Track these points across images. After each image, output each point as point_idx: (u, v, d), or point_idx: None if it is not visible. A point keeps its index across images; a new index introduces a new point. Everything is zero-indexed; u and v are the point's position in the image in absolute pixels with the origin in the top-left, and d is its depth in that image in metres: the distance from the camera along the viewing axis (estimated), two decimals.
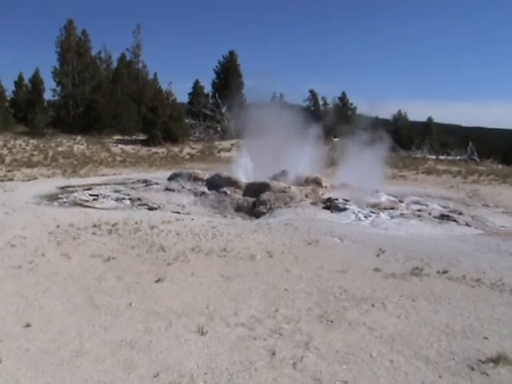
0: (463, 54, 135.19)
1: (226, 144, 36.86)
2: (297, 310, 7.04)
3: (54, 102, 43.04)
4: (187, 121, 44.53)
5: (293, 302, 7.39)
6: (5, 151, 30.60)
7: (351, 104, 54.15)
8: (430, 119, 50.21)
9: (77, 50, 42.39)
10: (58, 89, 42.74)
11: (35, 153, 30.90)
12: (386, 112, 47.56)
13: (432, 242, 11.42)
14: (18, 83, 43.38)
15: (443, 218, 14.37)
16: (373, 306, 7.29)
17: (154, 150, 35.91)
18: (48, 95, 43.29)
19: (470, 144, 37.32)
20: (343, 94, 54.98)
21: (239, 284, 8.15)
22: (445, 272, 8.99)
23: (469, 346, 6.08)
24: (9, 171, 23.64)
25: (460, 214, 15.02)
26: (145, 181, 20.35)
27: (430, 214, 14.85)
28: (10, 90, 42.15)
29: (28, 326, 6.36)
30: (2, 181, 20.19)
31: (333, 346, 6.00)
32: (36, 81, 42.61)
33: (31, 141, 34.34)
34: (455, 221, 14.07)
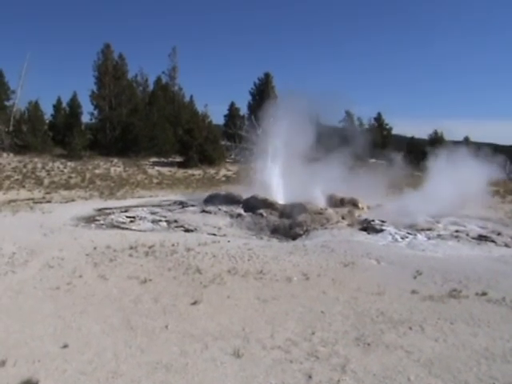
0: (490, 74, 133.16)
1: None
2: (333, 333, 7.02)
3: (91, 125, 43.59)
4: (223, 143, 44.80)
5: (329, 324, 7.37)
6: (43, 173, 31.22)
7: (387, 124, 53.73)
8: (466, 138, 49.46)
9: (114, 74, 42.91)
10: (96, 112, 43.35)
11: (73, 175, 31.48)
12: (423, 132, 47.17)
13: (470, 263, 11.28)
14: (57, 107, 44.08)
15: (481, 238, 14.18)
16: (410, 328, 7.23)
17: (190, 171, 36.22)
18: (85, 118, 43.94)
19: (508, 163, 36.68)
20: (378, 114, 54.59)
21: (275, 306, 8.16)
22: (483, 294, 8.87)
23: (509, 371, 5.97)
24: (47, 193, 24.15)
25: (499, 234, 14.80)
26: (181, 203, 20.55)
27: (467, 234, 14.66)
28: (48, 113, 42.90)
29: (65, 346, 6.47)
30: (41, 203, 20.62)
31: (370, 369, 5.97)
32: (74, 104, 43.30)
33: (69, 163, 34.95)
34: (494, 241, 13.86)
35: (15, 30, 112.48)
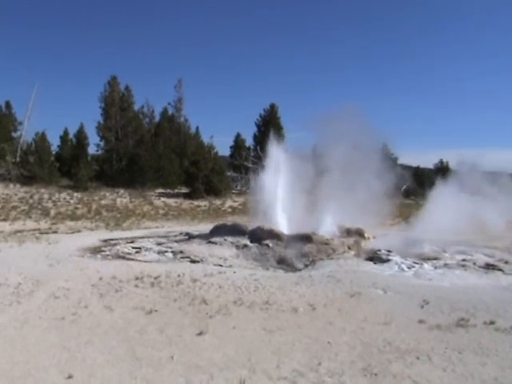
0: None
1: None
2: (340, 364, 6.96)
3: (97, 156, 43.92)
4: (229, 174, 44.98)
5: (336, 355, 7.30)
6: (50, 204, 31.33)
7: (392, 154, 53.81)
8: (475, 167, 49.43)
9: (120, 105, 43.35)
10: (102, 143, 43.74)
11: (79, 206, 31.60)
12: (428, 161, 47.25)
13: (478, 292, 11.20)
14: (64, 138, 44.51)
15: (489, 267, 14.13)
16: (418, 358, 7.15)
17: (196, 203, 36.32)
18: (92, 149, 44.35)
19: None
20: (384, 144, 54.68)
21: (281, 337, 8.10)
22: (492, 323, 8.79)
23: None
24: (53, 224, 24.23)
25: (506, 262, 14.74)
26: (187, 234, 20.54)
27: (474, 263, 14.61)
28: (55, 144, 43.30)
29: (70, 377, 6.41)
30: (47, 233, 20.69)
31: None
32: (80, 136, 43.71)
33: (75, 194, 35.11)
34: (501, 270, 13.80)
35: (23, 62, 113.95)
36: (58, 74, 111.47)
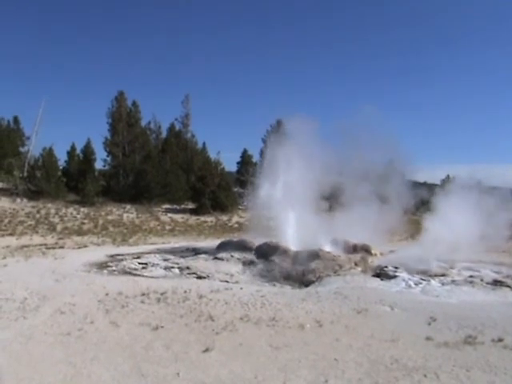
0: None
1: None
2: (347, 381, 6.91)
3: (104, 172, 43.96)
4: (236, 190, 44.97)
5: (343, 372, 7.25)
6: (56, 219, 31.38)
7: (400, 169, 53.70)
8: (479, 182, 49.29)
9: (127, 121, 43.38)
10: (109, 158, 43.77)
11: (86, 221, 31.64)
12: (434, 176, 47.03)
13: (485, 309, 11.12)
14: (71, 153, 44.57)
15: (496, 284, 14.04)
16: (425, 376, 7.10)
17: (202, 218, 36.34)
18: (99, 165, 44.35)
19: None
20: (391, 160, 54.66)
21: (288, 354, 8.05)
22: (500, 340, 8.72)
23: None
24: (60, 239, 24.25)
25: None
26: (194, 249, 20.54)
27: (482, 280, 14.52)
28: (62, 159, 43.31)
29: None
30: (54, 248, 20.71)
31: None
32: (87, 151, 43.75)
33: (82, 209, 35.15)
34: (509, 286, 13.70)
35: (31, 77, 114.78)
36: (66, 88, 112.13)
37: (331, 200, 20.86)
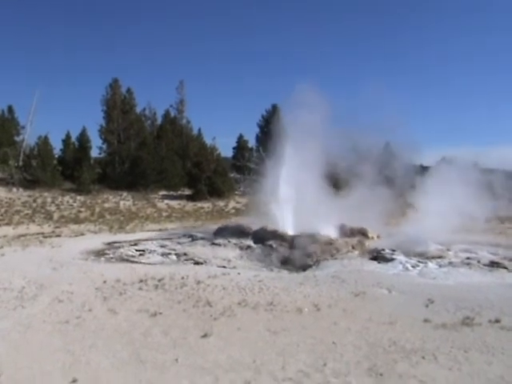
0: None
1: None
2: (345, 364, 6.93)
3: (100, 159, 43.84)
4: (232, 175, 44.96)
5: (341, 355, 7.27)
6: (53, 208, 31.39)
7: (397, 152, 53.58)
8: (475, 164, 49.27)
9: (122, 108, 43.23)
10: (104, 146, 43.65)
11: (82, 209, 31.65)
12: (430, 159, 46.98)
13: (482, 290, 11.16)
14: (66, 141, 44.33)
15: (493, 265, 14.07)
16: (423, 357, 7.12)
17: (199, 204, 36.33)
18: (94, 153, 44.19)
19: None
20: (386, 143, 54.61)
21: (286, 338, 8.07)
22: (497, 321, 8.75)
23: None
24: (57, 227, 24.23)
25: (510, 260, 14.68)
26: (190, 235, 20.52)
27: (479, 261, 14.56)
28: (58, 148, 43.12)
29: (74, 381, 6.40)
30: (50, 237, 20.70)
31: None
32: (83, 139, 43.55)
33: (78, 197, 35.15)
34: (506, 268, 13.74)
35: (24, 66, 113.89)
36: (60, 77, 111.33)
37: (330, 183, 20.78)
